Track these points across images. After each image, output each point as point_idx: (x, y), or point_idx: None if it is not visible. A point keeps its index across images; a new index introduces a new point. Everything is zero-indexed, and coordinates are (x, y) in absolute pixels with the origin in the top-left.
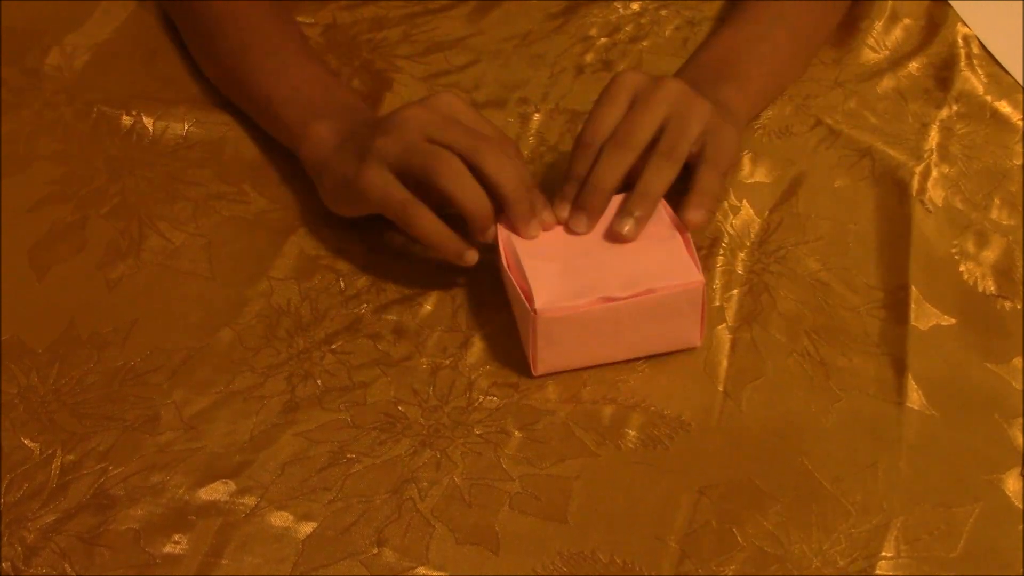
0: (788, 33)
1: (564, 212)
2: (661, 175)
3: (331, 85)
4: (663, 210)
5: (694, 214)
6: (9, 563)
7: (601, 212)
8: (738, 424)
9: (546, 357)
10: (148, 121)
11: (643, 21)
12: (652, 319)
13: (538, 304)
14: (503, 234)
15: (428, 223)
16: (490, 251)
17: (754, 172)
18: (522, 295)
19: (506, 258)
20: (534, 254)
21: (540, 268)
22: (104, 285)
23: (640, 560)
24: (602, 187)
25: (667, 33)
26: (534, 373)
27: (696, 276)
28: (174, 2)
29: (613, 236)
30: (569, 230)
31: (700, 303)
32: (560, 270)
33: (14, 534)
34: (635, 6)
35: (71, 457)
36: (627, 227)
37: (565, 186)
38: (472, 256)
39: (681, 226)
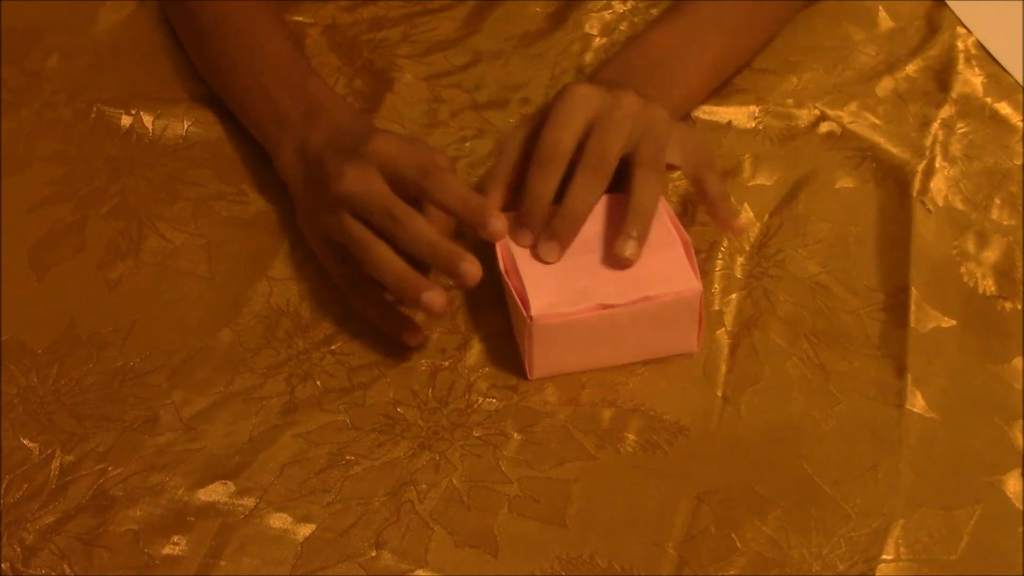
0: (722, 35)
1: (526, 239)
2: (650, 188)
3: (303, 90)
4: (664, 214)
5: (734, 220)
6: (8, 564)
7: (573, 239)
8: (737, 429)
9: (542, 362)
10: (148, 121)
11: (636, 20)
12: (649, 326)
13: (534, 311)
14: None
15: (368, 303)
16: (489, 251)
17: (755, 175)
18: (518, 300)
19: (503, 261)
20: (532, 257)
21: (537, 272)
22: (104, 285)
23: (639, 566)
24: (579, 215)
25: None
26: (530, 377)
27: (694, 284)
28: (169, 4)
29: (614, 254)
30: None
31: (698, 311)
32: (557, 273)
33: (13, 535)
34: (628, 4)
35: (70, 458)
36: (629, 250)
37: (525, 209)
38: (415, 336)
39: (682, 231)
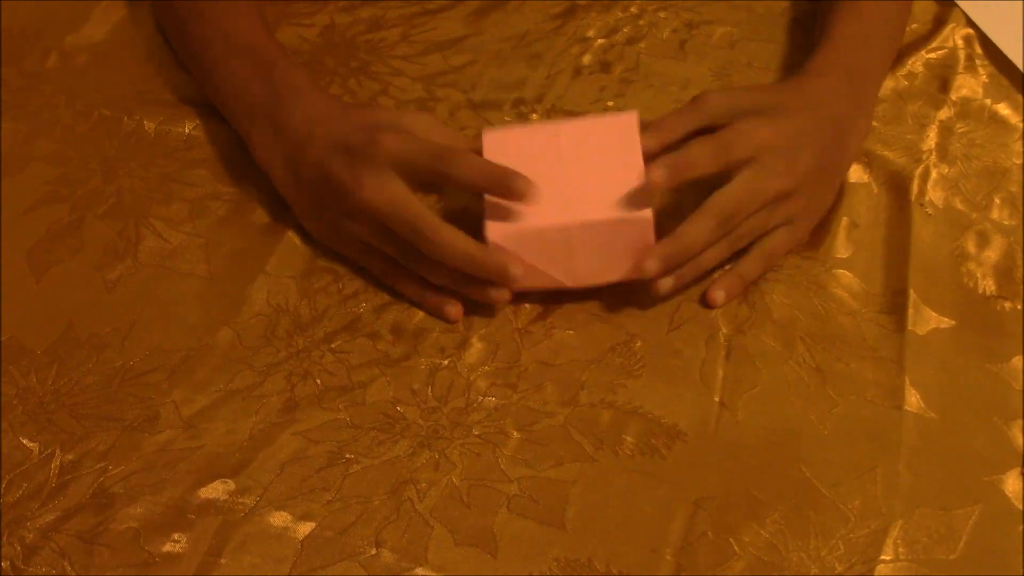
0: (893, 37)
1: (660, 273)
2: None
3: (269, 75)
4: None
5: (650, 263)
6: (9, 562)
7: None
8: (735, 434)
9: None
10: (144, 121)
11: (641, 23)
12: (595, 245)
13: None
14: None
15: (406, 286)
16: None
17: None
18: None
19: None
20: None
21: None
22: (102, 286)
23: (636, 570)
24: (694, 253)
25: (664, 35)
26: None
27: (646, 213)
28: (155, 3)
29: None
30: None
31: (653, 236)
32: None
33: (14, 533)
34: (633, 8)
35: (70, 457)
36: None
37: (673, 249)
38: (452, 312)
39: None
